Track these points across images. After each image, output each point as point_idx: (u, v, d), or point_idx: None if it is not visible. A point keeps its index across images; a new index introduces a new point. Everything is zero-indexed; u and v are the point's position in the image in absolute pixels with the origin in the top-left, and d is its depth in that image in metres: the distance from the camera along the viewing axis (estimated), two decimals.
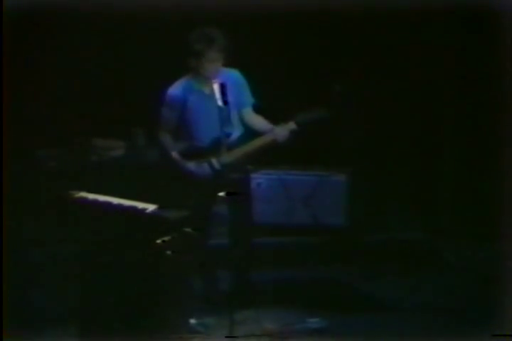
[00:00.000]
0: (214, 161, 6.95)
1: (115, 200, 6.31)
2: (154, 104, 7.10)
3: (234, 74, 6.96)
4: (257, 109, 7.14)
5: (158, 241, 6.07)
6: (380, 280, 7.94)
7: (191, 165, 7.00)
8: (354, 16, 8.73)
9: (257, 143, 6.99)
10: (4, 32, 7.28)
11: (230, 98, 6.55)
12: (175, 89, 6.98)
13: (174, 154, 7.06)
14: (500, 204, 8.36)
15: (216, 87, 6.48)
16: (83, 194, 6.41)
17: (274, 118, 7.07)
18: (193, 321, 6.59)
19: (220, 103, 6.43)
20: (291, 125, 6.92)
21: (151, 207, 6.20)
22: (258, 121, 7.06)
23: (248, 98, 7.06)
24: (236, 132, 6.96)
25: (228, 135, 6.62)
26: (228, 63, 6.91)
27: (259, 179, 8.28)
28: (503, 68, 7.89)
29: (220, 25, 6.89)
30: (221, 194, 6.36)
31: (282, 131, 6.92)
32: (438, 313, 7.10)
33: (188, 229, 6.28)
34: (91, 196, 6.38)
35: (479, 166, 8.73)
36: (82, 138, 8.04)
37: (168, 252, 6.09)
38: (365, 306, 7.38)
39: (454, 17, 8.58)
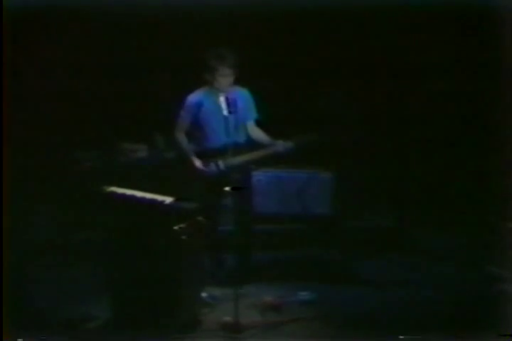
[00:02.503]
0: (220, 163, 7.03)
1: (139, 194, 6.36)
2: (172, 112, 7.13)
3: (243, 91, 7.06)
4: (259, 124, 7.22)
5: (175, 227, 6.17)
6: (360, 260, 7.95)
7: (201, 164, 7.08)
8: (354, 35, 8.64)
9: (259, 154, 7.08)
10: (4, 32, 6.97)
11: (238, 111, 6.71)
12: (194, 97, 7.07)
13: (187, 152, 7.13)
14: (466, 199, 8.50)
15: (223, 99, 6.65)
16: (113, 188, 6.46)
17: (272, 133, 7.15)
18: (204, 294, 6.64)
19: (225, 112, 6.60)
20: (290, 144, 7.03)
21: (168, 199, 6.26)
22: (258, 134, 7.15)
23: (252, 113, 7.16)
24: (241, 138, 7.05)
25: (234, 140, 6.72)
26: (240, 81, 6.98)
27: (259, 176, 8.23)
28: (503, 68, 7.47)
29: (232, 46, 6.95)
30: (227, 188, 6.46)
31: (282, 147, 7.02)
32: (407, 288, 7.16)
33: (199, 218, 6.39)
34: (120, 190, 6.43)
35: (449, 163, 8.72)
36: (112, 142, 8.05)
37: (184, 237, 6.18)
38: (347, 282, 7.41)
39: (454, 17, 8.31)
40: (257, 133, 7.18)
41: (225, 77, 6.91)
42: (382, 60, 8.75)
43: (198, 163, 7.13)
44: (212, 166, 7.11)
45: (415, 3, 7.97)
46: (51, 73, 8.53)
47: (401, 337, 5.98)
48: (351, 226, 8.68)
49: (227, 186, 6.49)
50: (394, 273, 7.61)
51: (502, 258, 7.08)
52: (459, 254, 7.98)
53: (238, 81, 7.02)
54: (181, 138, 7.19)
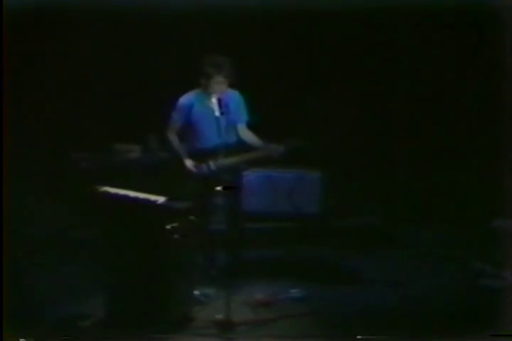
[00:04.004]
0: (212, 163, 6.94)
1: (132, 193, 6.30)
2: (165, 113, 7.05)
3: (234, 94, 6.97)
4: (250, 126, 7.08)
5: (168, 226, 6.11)
6: (350, 258, 7.89)
7: (193, 164, 6.99)
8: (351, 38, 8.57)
9: (250, 156, 6.98)
10: (4, 33, 6.99)
11: (229, 112, 6.65)
12: (185, 99, 6.99)
13: (179, 152, 7.04)
14: (455, 198, 8.47)
15: (215, 101, 6.56)
16: (106, 188, 6.38)
17: (263, 135, 7.03)
18: (196, 292, 6.55)
19: (217, 113, 6.50)
20: (281, 148, 6.91)
21: (161, 199, 6.21)
22: (249, 137, 7.03)
23: (243, 115, 7.04)
24: (232, 139, 6.93)
25: (225, 141, 6.61)
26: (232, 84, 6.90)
27: (250, 176, 8.16)
28: (503, 68, 7.48)
29: (228, 51, 6.87)
30: (218, 188, 6.42)
31: (273, 151, 6.91)
32: (397, 286, 7.10)
33: (191, 217, 6.34)
34: (113, 190, 6.36)
35: (439, 161, 8.68)
36: (106, 143, 8.08)
37: (176, 236, 6.14)
38: (337, 279, 7.38)
39: (454, 17, 8.17)
40: (249, 136, 7.09)
41: (219, 84, 6.84)
42: (373, 62, 8.69)
43: (190, 163, 7.05)
44: (204, 166, 7.01)
45: (414, 4, 7.89)
46: (50, 74, 8.48)
47: (359, 337, 5.94)
48: (340, 224, 8.64)
49: (218, 186, 6.46)
50: (384, 272, 7.56)
51: (493, 255, 7.12)
52: (448, 252, 7.95)
53: (231, 85, 6.96)
54: (173, 138, 7.12)
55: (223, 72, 6.77)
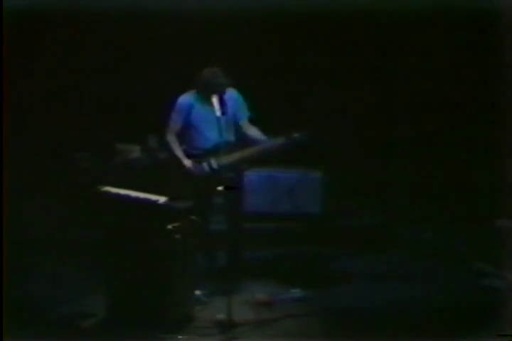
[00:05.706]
0: (213, 162, 6.90)
1: (133, 193, 6.27)
2: (165, 113, 7.00)
3: (232, 93, 6.91)
4: (252, 121, 7.03)
5: (169, 226, 6.10)
6: (351, 258, 7.90)
7: (194, 164, 6.94)
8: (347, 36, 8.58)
9: (251, 151, 6.94)
10: (4, 33, 7.00)
11: (229, 111, 6.60)
12: (183, 99, 6.95)
13: (178, 153, 6.99)
14: (455, 197, 8.44)
15: (215, 101, 6.52)
16: (108, 188, 6.36)
17: (266, 129, 6.98)
18: (197, 292, 6.53)
19: (218, 113, 6.47)
20: (282, 140, 6.89)
21: (162, 199, 6.19)
22: (253, 132, 6.98)
23: (245, 112, 7.01)
24: (232, 138, 6.90)
25: (225, 140, 6.61)
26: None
27: (251, 176, 8.03)
28: (502, 68, 7.50)
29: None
30: (220, 188, 6.38)
31: (273, 145, 6.90)
32: (398, 285, 7.10)
33: (193, 217, 6.32)
34: (114, 190, 6.34)
35: (438, 162, 8.66)
36: (107, 143, 8.10)
37: (177, 236, 6.11)
38: (338, 279, 7.34)
39: (455, 18, 8.21)
40: (253, 131, 7.04)
41: (216, 89, 6.75)
42: (374, 62, 8.72)
43: (190, 163, 6.99)
44: (205, 166, 6.96)
45: (412, 6, 7.91)
46: (49, 75, 8.46)
47: None
48: (341, 224, 8.63)
49: (219, 186, 6.41)
50: (385, 271, 7.55)
51: (494, 255, 7.11)
52: (449, 252, 7.92)
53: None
54: (172, 140, 7.05)
55: (217, 81, 6.71)
